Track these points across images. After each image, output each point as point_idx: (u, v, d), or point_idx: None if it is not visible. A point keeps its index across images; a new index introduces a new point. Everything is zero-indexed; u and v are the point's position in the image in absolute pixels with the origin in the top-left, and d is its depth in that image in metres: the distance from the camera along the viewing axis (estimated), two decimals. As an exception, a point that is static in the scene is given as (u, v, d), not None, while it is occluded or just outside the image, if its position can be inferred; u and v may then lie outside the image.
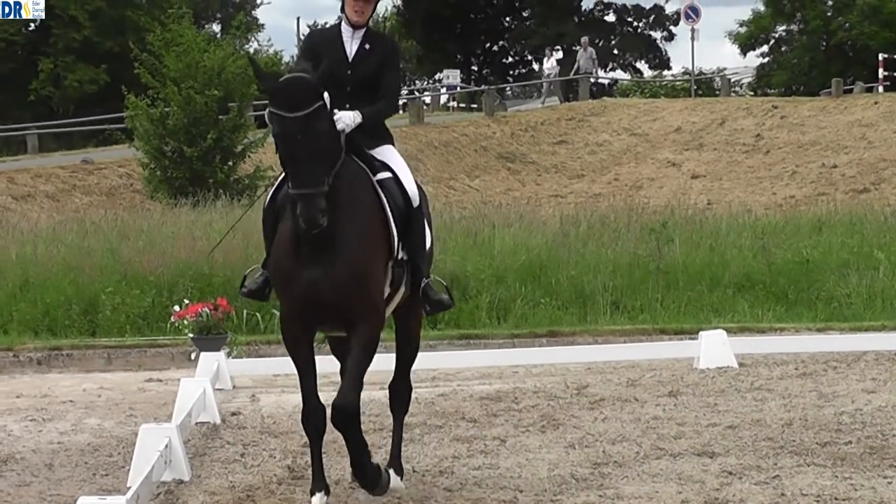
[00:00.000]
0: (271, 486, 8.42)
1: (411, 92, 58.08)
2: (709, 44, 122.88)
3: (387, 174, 7.87)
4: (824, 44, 60.54)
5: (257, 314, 15.22)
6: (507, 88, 61.33)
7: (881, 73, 48.78)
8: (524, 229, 18.51)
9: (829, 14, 60.16)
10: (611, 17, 72.99)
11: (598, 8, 72.68)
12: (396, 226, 7.71)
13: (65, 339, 15.18)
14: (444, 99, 54.62)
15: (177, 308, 14.01)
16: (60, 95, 55.65)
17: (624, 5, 72.40)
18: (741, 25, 64.97)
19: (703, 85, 57.40)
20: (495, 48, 73.23)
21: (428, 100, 51.11)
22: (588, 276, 16.65)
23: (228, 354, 13.20)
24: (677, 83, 58.40)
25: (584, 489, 8.12)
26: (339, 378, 7.80)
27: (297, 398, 8.22)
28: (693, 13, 51.72)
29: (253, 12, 68.19)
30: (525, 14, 71.44)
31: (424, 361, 9.69)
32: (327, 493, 7.76)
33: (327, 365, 8.62)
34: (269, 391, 12.40)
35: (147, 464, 8.03)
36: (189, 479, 8.58)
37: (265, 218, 7.89)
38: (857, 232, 18.85)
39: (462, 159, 38.52)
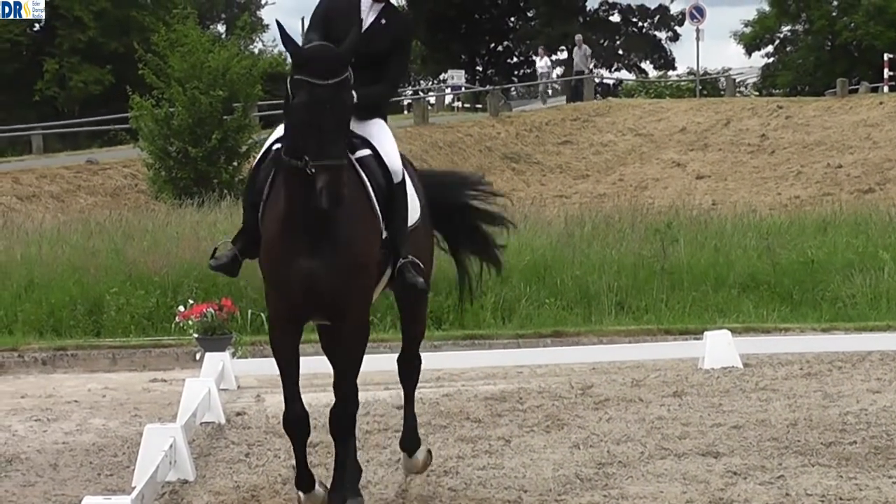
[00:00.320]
0: (276, 486, 8.42)
1: (416, 92, 58.07)
2: (714, 44, 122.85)
3: (366, 151, 7.46)
4: (829, 44, 60.55)
5: (262, 314, 15.20)
6: (512, 89, 61.30)
7: (886, 73, 48.75)
8: (529, 229, 18.47)
9: (834, 14, 60.18)
10: (615, 18, 73.11)
11: (603, 8, 72.80)
12: (380, 204, 7.37)
13: (69, 339, 15.16)
14: (448, 99, 54.66)
15: (181, 308, 14.01)
16: (65, 96, 55.74)
17: (629, 5, 72.59)
18: (746, 25, 65.11)
19: (707, 85, 57.36)
20: (500, 48, 73.27)
21: (432, 100, 51.17)
22: (593, 277, 16.62)
23: (233, 354, 13.19)
24: (682, 83, 58.34)
25: (589, 489, 8.12)
26: (320, 380, 7.51)
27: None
28: (698, 13, 51.77)
29: (258, 13, 68.31)
30: (530, 14, 71.50)
31: (429, 362, 9.65)
32: (317, 487, 7.51)
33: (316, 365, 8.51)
34: (274, 391, 12.29)
35: (152, 464, 8.03)
36: (194, 479, 8.59)
37: (248, 188, 7.52)
38: (862, 232, 18.80)
39: (467, 160, 38.50)
